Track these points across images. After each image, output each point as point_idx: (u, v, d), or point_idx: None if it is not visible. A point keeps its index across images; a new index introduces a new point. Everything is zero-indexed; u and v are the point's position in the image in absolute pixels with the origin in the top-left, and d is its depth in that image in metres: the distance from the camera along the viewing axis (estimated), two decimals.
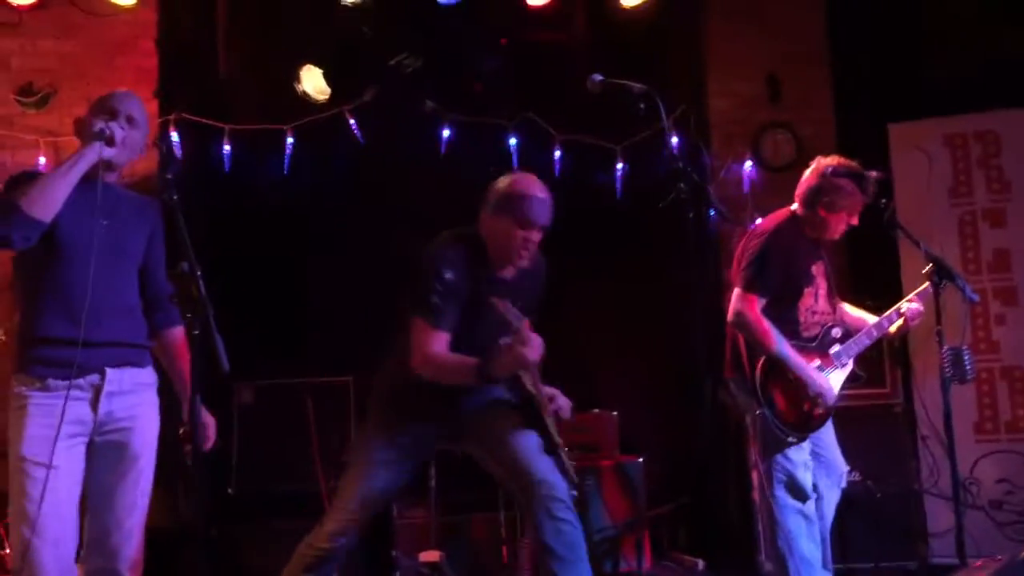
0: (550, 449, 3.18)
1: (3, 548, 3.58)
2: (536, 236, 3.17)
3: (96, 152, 2.61)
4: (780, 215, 3.70)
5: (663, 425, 5.14)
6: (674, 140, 4.90)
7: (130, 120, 2.73)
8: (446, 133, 4.88)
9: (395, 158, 4.88)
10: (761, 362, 3.51)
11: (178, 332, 2.90)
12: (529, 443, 3.16)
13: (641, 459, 4.76)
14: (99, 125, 2.63)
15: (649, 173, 4.83)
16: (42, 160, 4.52)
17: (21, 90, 4.64)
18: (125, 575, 2.71)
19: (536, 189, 3.18)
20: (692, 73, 5.24)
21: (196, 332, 2.24)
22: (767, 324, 3.48)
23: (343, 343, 4.62)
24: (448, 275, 3.08)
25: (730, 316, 3.54)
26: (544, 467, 3.13)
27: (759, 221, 3.81)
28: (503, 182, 3.23)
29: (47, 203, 2.55)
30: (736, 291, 3.55)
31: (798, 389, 3.55)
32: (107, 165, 2.69)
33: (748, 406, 3.61)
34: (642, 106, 2.71)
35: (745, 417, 3.77)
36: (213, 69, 4.95)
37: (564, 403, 3.29)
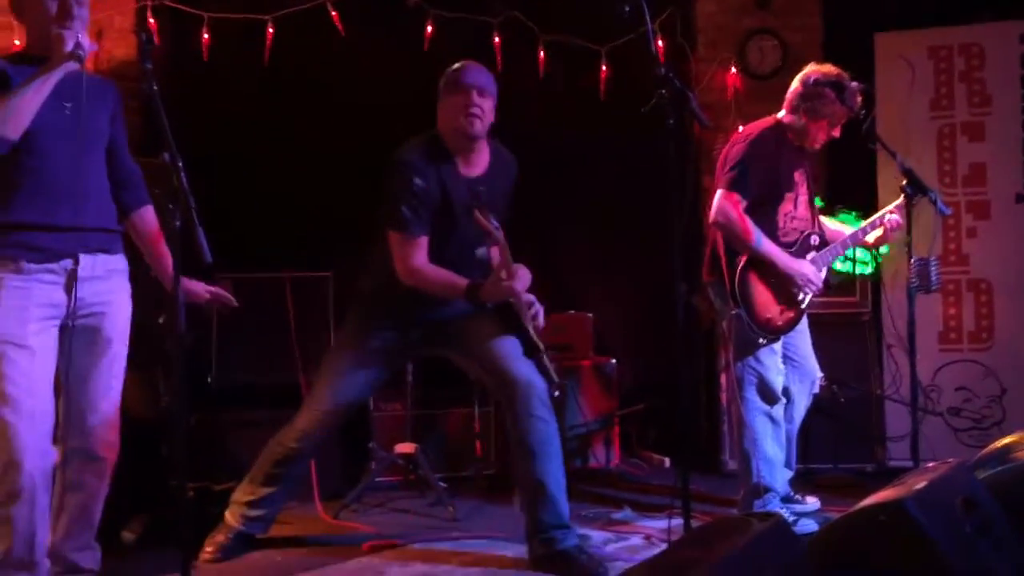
0: (531, 352, 3.27)
1: None
2: (478, 99, 3.18)
3: (69, 69, 2.56)
4: (765, 122, 3.74)
5: (637, 328, 5.24)
6: (659, 44, 4.87)
7: (79, 2, 2.65)
8: (429, 29, 4.82)
9: (378, 53, 4.82)
10: (741, 263, 3.59)
11: (148, 212, 2.94)
12: (508, 345, 3.26)
13: (615, 360, 4.87)
14: (72, 43, 2.54)
15: (634, 76, 4.81)
16: None
17: None
18: (101, 454, 2.80)
19: (467, 63, 3.25)
20: None
21: (178, 223, 2.26)
22: (749, 222, 3.55)
23: (323, 238, 4.64)
24: (417, 182, 3.14)
25: (712, 215, 3.60)
26: (523, 368, 3.24)
27: (743, 127, 3.84)
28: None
29: (19, 123, 2.54)
30: (719, 191, 3.60)
31: (774, 290, 3.64)
32: None
33: (724, 309, 3.70)
34: (627, 8, 2.69)
35: (719, 321, 3.87)
36: None
37: (540, 310, 3.36)
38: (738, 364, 3.69)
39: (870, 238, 3.81)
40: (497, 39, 4.90)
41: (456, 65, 3.28)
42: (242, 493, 3.43)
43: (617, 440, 4.87)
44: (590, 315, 4.94)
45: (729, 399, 4.24)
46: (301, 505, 4.08)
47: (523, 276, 3.23)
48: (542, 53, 4.97)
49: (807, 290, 3.67)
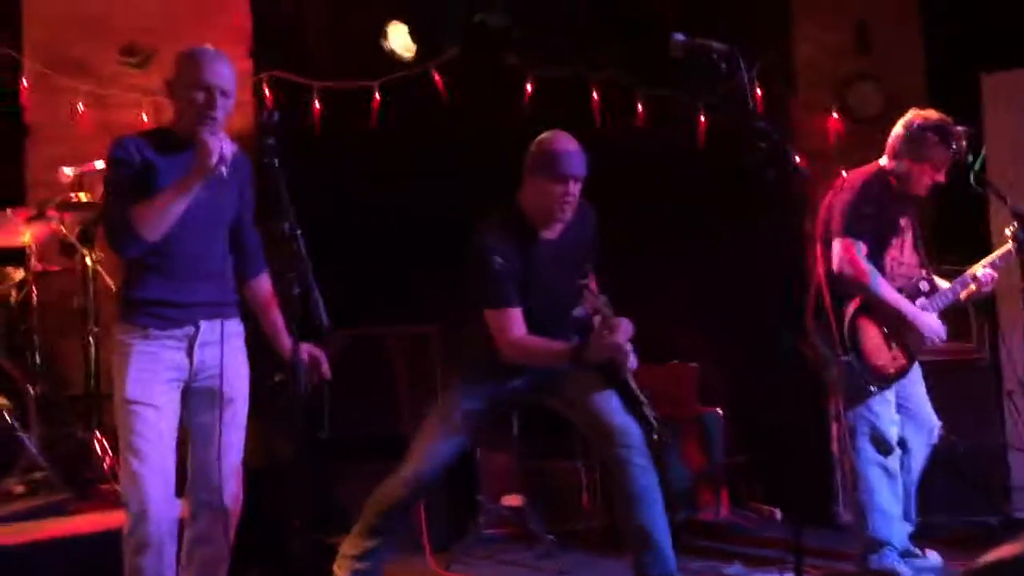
0: (632, 405, 3.29)
1: (116, 481, 3.83)
2: (573, 188, 3.24)
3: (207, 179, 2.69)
4: (869, 168, 3.72)
5: (741, 377, 5.18)
6: (758, 92, 4.86)
7: (224, 94, 2.79)
8: (528, 88, 4.94)
9: (479, 113, 4.96)
10: (850, 309, 3.53)
11: (264, 280, 3.08)
12: (607, 395, 3.29)
13: (719, 410, 4.82)
14: (216, 156, 2.64)
15: (732, 125, 4.81)
16: (144, 117, 4.71)
17: (124, 50, 4.82)
18: (227, 507, 2.91)
19: (564, 143, 3.26)
20: (778, 21, 5.16)
21: (296, 290, 2.37)
22: (873, 269, 3.51)
23: (428, 295, 4.76)
24: (497, 261, 3.21)
25: (836, 266, 3.55)
26: (619, 417, 3.26)
27: (846, 174, 3.82)
28: (534, 144, 3.31)
29: (159, 229, 2.69)
30: (837, 241, 3.56)
31: (885, 337, 3.57)
32: None
33: (831, 357, 3.63)
34: (724, 66, 2.72)
35: (825, 369, 3.81)
36: (303, 27, 5.08)
37: (633, 358, 3.38)
38: (849, 413, 3.62)
39: (963, 294, 3.71)
40: (595, 95, 4.99)
41: (548, 139, 3.28)
42: (349, 546, 3.48)
43: (725, 492, 4.79)
44: (693, 365, 4.90)
45: (841, 449, 4.14)
46: (411, 557, 4.14)
47: (625, 329, 3.23)
48: (640, 107, 5.03)
49: (932, 343, 3.60)
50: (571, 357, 3.19)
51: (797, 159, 2.80)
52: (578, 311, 3.28)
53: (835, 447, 4.57)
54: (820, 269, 3.61)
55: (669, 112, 5.07)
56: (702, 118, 5.05)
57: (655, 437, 3.29)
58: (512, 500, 4.25)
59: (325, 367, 3.03)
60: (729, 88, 4.57)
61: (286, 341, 3.00)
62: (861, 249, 3.52)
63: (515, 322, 3.23)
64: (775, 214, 2.78)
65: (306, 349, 2.95)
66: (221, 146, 2.66)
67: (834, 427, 4.51)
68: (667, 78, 5.01)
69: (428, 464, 3.40)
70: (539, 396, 3.47)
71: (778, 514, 4.83)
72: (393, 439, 4.32)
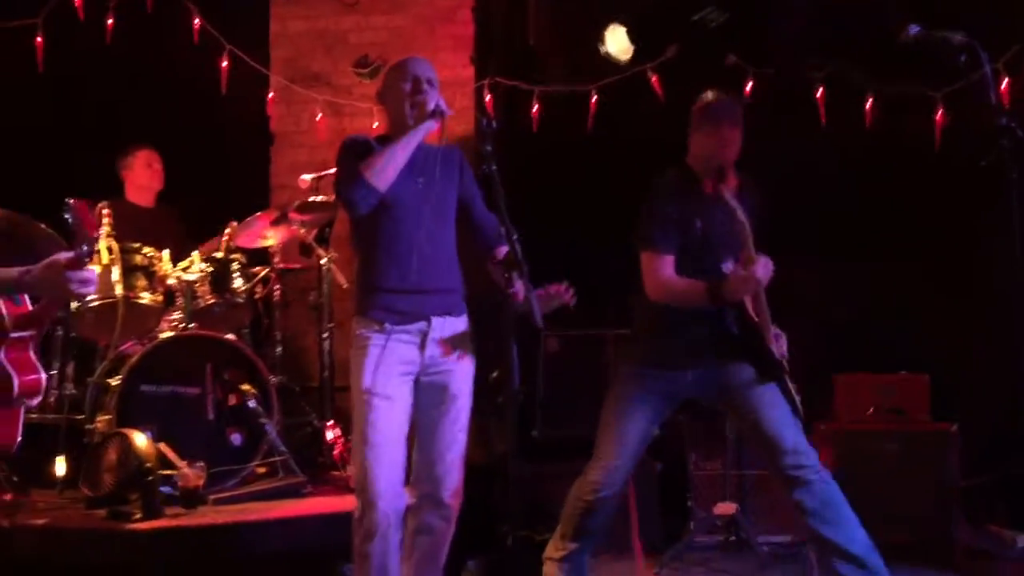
0: (771, 373, 3.25)
1: (345, 469, 4.08)
2: (730, 133, 3.27)
3: (430, 128, 2.88)
4: None
5: (979, 389, 4.81)
6: (1003, 85, 4.51)
7: (431, 83, 2.96)
8: (749, 87, 4.81)
9: None
10: None
11: (504, 251, 3.09)
12: (775, 409, 3.25)
13: (955, 426, 4.50)
14: (432, 104, 2.87)
15: (974, 122, 4.49)
16: (375, 124, 4.99)
17: (357, 62, 5.16)
18: (447, 501, 3.01)
19: (716, 95, 3.36)
20: None
21: (513, 290, 2.43)
22: None
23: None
24: (662, 205, 3.28)
25: None
26: (790, 435, 3.22)
27: None
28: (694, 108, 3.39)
29: (387, 175, 2.85)
30: None
31: None
32: None
33: None
34: (963, 58, 2.55)
35: None
36: (523, 34, 5.21)
37: (783, 338, 3.36)
38: None
39: None
40: (819, 93, 4.80)
41: (705, 98, 3.38)
42: (553, 548, 3.49)
43: (961, 512, 4.47)
44: (926, 376, 4.61)
45: None
46: (621, 559, 4.14)
47: (764, 264, 3.18)
48: (869, 102, 4.79)
49: None
50: (709, 292, 3.17)
51: None
52: (727, 266, 3.25)
53: None
54: None
55: (902, 109, 4.79)
56: (939, 114, 4.74)
57: (799, 420, 3.27)
58: (725, 508, 4.17)
59: (566, 296, 3.04)
60: (970, 83, 4.31)
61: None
62: None
63: (667, 266, 3.25)
64: (1020, 215, 2.56)
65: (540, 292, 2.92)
66: (437, 98, 2.83)
67: None
68: (900, 74, 4.75)
69: (612, 470, 3.36)
70: (708, 396, 3.44)
71: (1020, 541, 4.46)
72: None
